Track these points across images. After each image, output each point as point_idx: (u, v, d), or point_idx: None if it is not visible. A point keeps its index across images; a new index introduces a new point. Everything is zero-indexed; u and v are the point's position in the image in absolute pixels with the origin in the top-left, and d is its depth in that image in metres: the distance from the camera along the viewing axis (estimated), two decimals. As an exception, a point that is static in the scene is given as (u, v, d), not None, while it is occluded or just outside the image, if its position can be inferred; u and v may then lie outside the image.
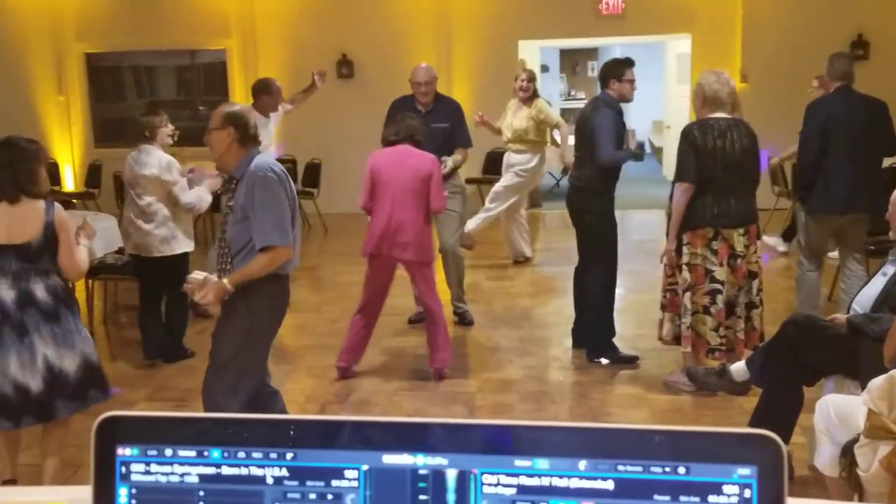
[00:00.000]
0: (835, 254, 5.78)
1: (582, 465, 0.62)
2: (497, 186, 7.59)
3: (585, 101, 5.89)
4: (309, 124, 9.60)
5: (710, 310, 4.39)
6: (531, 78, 7.26)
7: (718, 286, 4.36)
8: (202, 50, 11.10)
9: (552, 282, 7.17)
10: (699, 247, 4.38)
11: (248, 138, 3.39)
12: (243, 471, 0.64)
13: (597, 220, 5.00)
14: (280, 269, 3.40)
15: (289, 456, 0.64)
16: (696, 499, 0.59)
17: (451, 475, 0.63)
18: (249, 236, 3.32)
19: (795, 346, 3.58)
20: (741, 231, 4.37)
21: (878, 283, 3.61)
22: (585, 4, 10.22)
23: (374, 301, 4.89)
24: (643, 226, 9.66)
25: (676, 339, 4.57)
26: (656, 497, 0.61)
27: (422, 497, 0.63)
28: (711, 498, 0.59)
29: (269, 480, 0.64)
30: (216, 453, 0.64)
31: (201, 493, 0.65)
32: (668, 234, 4.52)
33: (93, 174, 10.37)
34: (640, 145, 5.28)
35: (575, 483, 0.62)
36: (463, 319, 5.86)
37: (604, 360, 5.08)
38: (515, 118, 7.20)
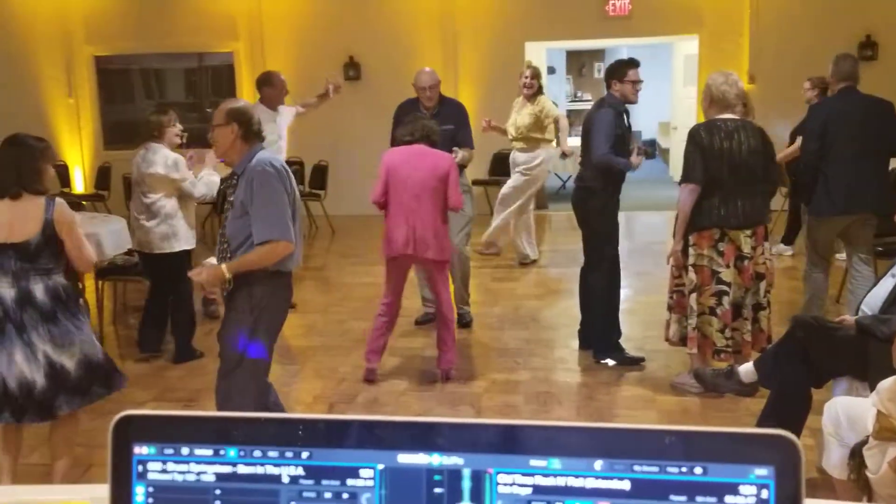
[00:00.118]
0: (843, 255, 5.77)
1: (598, 465, 0.62)
2: (505, 189, 7.60)
3: (592, 103, 5.90)
4: (316, 126, 9.61)
5: (716, 311, 4.38)
6: (534, 74, 7.28)
7: (725, 287, 4.35)
8: (210, 52, 11.13)
9: (558, 283, 7.17)
10: (705, 248, 4.37)
11: (251, 134, 3.40)
12: (259, 470, 0.65)
13: (596, 220, 5.00)
14: (282, 266, 3.38)
15: (304, 455, 0.64)
16: (713, 499, 0.59)
17: (467, 475, 0.63)
18: (249, 231, 3.31)
19: (804, 347, 3.57)
20: (748, 232, 4.36)
21: (887, 285, 3.60)
22: (592, 6, 10.21)
23: (397, 298, 4.89)
24: (650, 227, 9.65)
25: (683, 341, 4.57)
26: (672, 497, 0.61)
27: (437, 496, 0.63)
28: (728, 498, 0.59)
29: (285, 479, 0.65)
30: (232, 452, 0.65)
31: (217, 492, 0.65)
32: (674, 235, 4.51)
33: (102, 176, 10.41)
34: (650, 143, 5.27)
35: (591, 483, 0.62)
36: (461, 320, 5.85)
37: (610, 362, 5.07)
38: (519, 115, 7.26)
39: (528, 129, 7.22)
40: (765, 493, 0.60)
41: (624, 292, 5.89)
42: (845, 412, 2.97)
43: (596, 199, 4.96)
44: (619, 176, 4.98)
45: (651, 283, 6.80)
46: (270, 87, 6.29)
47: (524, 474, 0.62)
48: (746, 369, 3.96)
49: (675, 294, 4.58)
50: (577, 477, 0.62)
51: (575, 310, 5.44)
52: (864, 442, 2.74)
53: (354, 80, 10.64)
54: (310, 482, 0.64)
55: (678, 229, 4.46)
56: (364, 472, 0.64)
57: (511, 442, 0.62)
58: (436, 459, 0.63)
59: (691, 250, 4.42)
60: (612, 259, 5.10)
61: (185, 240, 5.18)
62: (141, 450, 0.65)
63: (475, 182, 8.36)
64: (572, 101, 16.43)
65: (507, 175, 8.03)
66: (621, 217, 5.18)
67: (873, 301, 3.59)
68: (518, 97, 7.35)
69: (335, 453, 0.64)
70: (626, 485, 0.61)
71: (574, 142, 10.39)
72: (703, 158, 4.31)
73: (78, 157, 11.36)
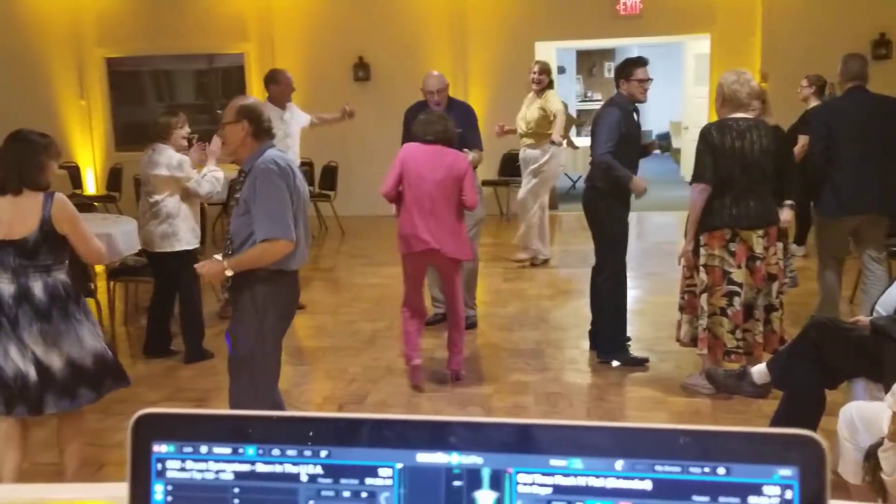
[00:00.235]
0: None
1: (619, 465, 0.61)
2: (521, 194, 7.56)
3: (602, 103, 5.89)
4: (326, 127, 9.62)
5: (727, 312, 4.36)
6: (542, 70, 7.30)
7: (736, 288, 4.33)
8: (220, 54, 11.16)
9: (569, 283, 7.15)
10: (716, 248, 4.35)
11: (261, 131, 3.39)
12: (278, 468, 0.64)
13: (605, 220, 4.98)
14: (284, 265, 3.36)
15: (323, 454, 0.64)
16: (736, 500, 0.58)
17: (486, 474, 0.63)
18: (251, 229, 3.30)
19: (818, 348, 3.55)
20: (760, 233, 4.34)
21: (901, 285, 3.58)
22: (603, 5, 10.19)
23: (417, 296, 4.83)
24: (660, 227, 9.63)
25: (694, 341, 4.55)
26: (695, 498, 0.60)
27: (456, 495, 0.63)
28: (752, 499, 0.58)
29: (304, 478, 0.64)
30: (251, 451, 0.64)
31: (236, 491, 0.65)
32: (686, 235, 4.50)
33: (114, 177, 10.45)
34: (665, 136, 5.24)
35: (612, 483, 0.61)
36: (465, 322, 5.82)
37: (614, 362, 5.07)
38: (529, 109, 7.31)
39: (536, 125, 7.27)
40: (789, 494, 0.59)
41: (634, 293, 5.87)
42: (860, 416, 2.95)
43: (604, 199, 4.95)
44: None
45: (662, 284, 6.79)
46: (276, 85, 6.32)
47: (544, 474, 0.62)
48: (759, 370, 3.94)
49: (687, 294, 4.56)
50: (597, 477, 0.61)
51: (585, 310, 5.43)
52: (879, 444, 2.72)
53: (364, 80, 10.66)
54: (328, 481, 0.64)
55: (689, 229, 4.44)
56: (383, 472, 0.64)
57: (531, 441, 0.62)
58: (455, 459, 0.63)
59: (702, 250, 4.40)
60: (619, 260, 5.09)
61: (185, 240, 5.20)
62: (160, 448, 0.65)
63: (485, 182, 8.36)
64: (582, 101, 16.41)
65: (518, 175, 8.02)
66: (632, 217, 5.17)
67: (888, 302, 3.56)
68: (529, 93, 7.38)
69: (354, 452, 0.64)
70: (647, 485, 0.61)
71: (584, 141, 10.39)
72: (715, 158, 4.29)
73: (89, 158, 11.41)
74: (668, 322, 5.27)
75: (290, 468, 0.64)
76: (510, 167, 9.60)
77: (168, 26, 10.82)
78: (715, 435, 0.59)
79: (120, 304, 6.43)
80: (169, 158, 5.09)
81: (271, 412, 0.65)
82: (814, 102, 6.62)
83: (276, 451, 0.64)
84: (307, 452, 0.64)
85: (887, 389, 2.79)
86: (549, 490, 0.62)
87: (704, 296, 4.39)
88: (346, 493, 0.64)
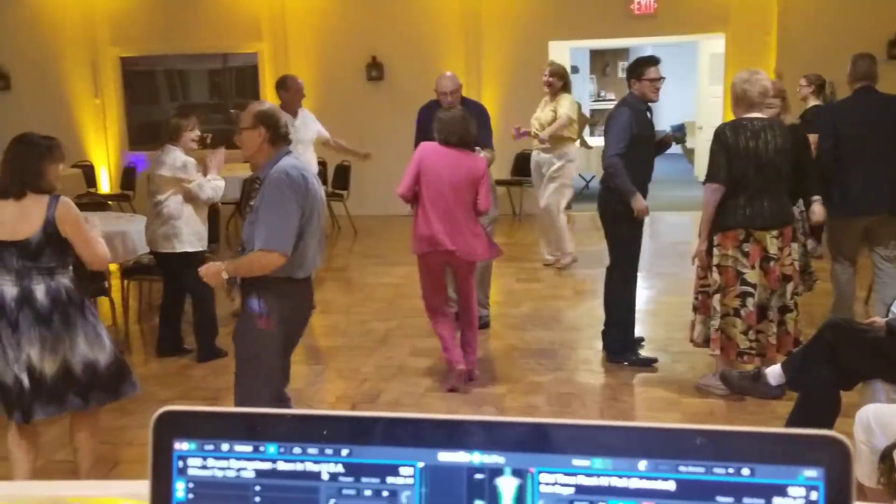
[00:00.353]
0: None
1: (642, 465, 0.61)
2: (543, 201, 7.43)
3: (615, 102, 5.88)
4: (338, 127, 9.62)
5: (740, 312, 4.34)
6: (554, 73, 7.23)
7: (749, 289, 4.31)
8: (234, 53, 11.20)
9: (582, 284, 7.14)
10: (730, 248, 4.33)
11: (278, 137, 3.38)
12: (299, 466, 0.64)
13: (616, 220, 4.97)
14: (293, 273, 3.34)
15: (344, 452, 0.64)
16: (761, 501, 0.58)
17: (508, 474, 0.62)
18: None
19: (833, 349, 3.53)
20: (775, 233, 4.31)
21: (917, 286, 3.56)
22: (617, 4, 10.16)
23: (437, 297, 4.79)
24: (674, 227, 9.60)
25: (707, 342, 4.52)
26: (719, 498, 0.60)
27: (477, 495, 0.63)
28: (776, 500, 0.58)
29: (325, 476, 0.64)
30: (272, 449, 0.64)
31: (257, 488, 0.65)
32: (700, 235, 4.48)
33: (127, 176, 10.50)
34: (679, 127, 5.19)
35: (635, 483, 0.61)
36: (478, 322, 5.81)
37: (623, 362, 5.06)
38: (543, 112, 7.26)
39: (559, 128, 7.20)
40: (814, 495, 0.58)
41: (648, 293, 5.85)
42: (876, 418, 2.93)
43: (617, 200, 4.93)
44: (643, 176, 4.94)
45: (675, 284, 6.76)
46: (285, 91, 6.33)
47: (566, 474, 0.61)
48: (774, 371, 3.92)
49: (701, 295, 4.54)
50: (620, 477, 0.61)
51: (599, 311, 5.41)
52: (894, 445, 2.70)
53: (377, 80, 10.67)
54: (349, 479, 0.64)
55: (702, 229, 4.43)
56: (404, 470, 0.63)
57: (553, 441, 0.62)
58: (476, 458, 0.63)
59: (715, 251, 4.38)
60: (632, 261, 5.07)
61: (187, 242, 5.20)
62: (181, 445, 0.65)
63: (499, 182, 8.34)
64: (596, 101, 16.37)
65: (530, 174, 7.98)
66: (646, 218, 5.14)
67: (904, 303, 3.54)
68: (545, 96, 7.35)
69: (375, 451, 0.63)
70: (671, 485, 0.60)
71: (597, 141, 10.36)
72: (728, 158, 4.27)
73: (104, 157, 11.47)
74: (681, 322, 5.25)
75: (311, 466, 0.64)
76: (523, 167, 9.59)
77: (182, 26, 10.86)
78: (739, 435, 0.59)
79: (134, 303, 6.46)
80: (174, 159, 5.12)
81: (293, 410, 0.65)
82: (812, 102, 6.59)
83: (297, 450, 0.64)
84: (328, 451, 0.63)
85: (904, 391, 2.77)
86: (572, 490, 0.61)
87: (717, 296, 4.37)
88: (368, 492, 0.63)
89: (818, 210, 5.02)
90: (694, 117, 13.09)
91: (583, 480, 0.61)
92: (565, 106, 7.20)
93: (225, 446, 0.64)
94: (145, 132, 11.32)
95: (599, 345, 5.32)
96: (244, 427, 0.64)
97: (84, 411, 3.45)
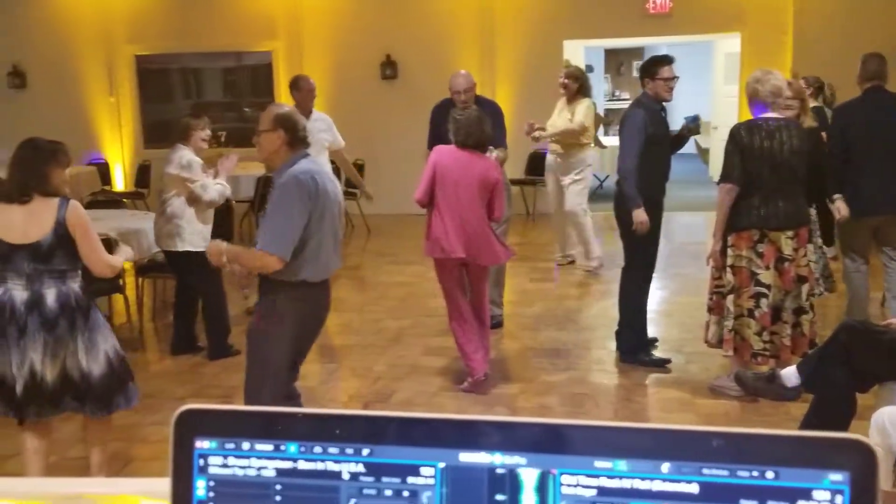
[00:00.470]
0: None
1: (665, 467, 0.60)
2: (567, 206, 7.32)
3: (630, 102, 5.85)
4: (352, 125, 9.66)
5: (754, 313, 4.31)
6: (569, 75, 7.14)
7: (763, 290, 4.28)
8: (248, 52, 11.23)
9: (597, 284, 7.12)
10: (744, 249, 4.31)
11: (297, 140, 3.39)
12: (319, 466, 0.64)
13: (629, 221, 4.94)
14: (308, 277, 3.35)
15: (365, 452, 0.64)
16: (786, 504, 0.57)
17: (529, 475, 0.62)
18: None
19: (849, 351, 3.51)
20: (790, 234, 4.29)
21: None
22: (632, 3, 10.13)
23: (457, 300, 4.74)
24: (688, 228, 9.56)
25: (721, 343, 4.51)
26: (743, 501, 0.59)
27: (499, 496, 0.62)
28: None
29: (346, 476, 0.64)
30: (293, 448, 0.64)
31: (278, 487, 0.65)
32: (714, 235, 4.46)
33: (142, 174, 10.55)
34: (694, 118, 5.15)
35: (657, 486, 0.61)
36: (491, 322, 5.79)
37: (636, 363, 5.05)
38: (559, 117, 7.17)
39: (565, 133, 7.12)
40: (839, 499, 0.58)
41: (662, 293, 5.82)
42: (892, 421, 2.91)
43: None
44: (661, 176, 4.91)
45: (689, 285, 6.74)
46: (297, 91, 6.31)
47: (589, 475, 0.61)
48: (789, 373, 3.89)
49: (715, 295, 4.52)
50: (643, 479, 0.61)
51: (613, 311, 5.39)
52: (911, 448, 2.68)
53: (391, 78, 10.68)
54: (370, 479, 0.64)
55: (717, 229, 4.41)
56: (425, 471, 0.63)
57: (575, 442, 0.61)
58: (498, 459, 0.62)
59: (729, 251, 4.36)
60: (647, 262, 5.04)
61: (189, 241, 5.20)
62: (202, 444, 0.65)
63: (512, 182, 8.32)
64: (610, 100, 16.33)
65: (543, 174, 7.95)
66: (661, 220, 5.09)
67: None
68: (561, 97, 7.27)
69: (396, 451, 0.63)
70: (694, 488, 0.60)
71: (611, 141, 10.32)
72: (743, 158, 4.25)
73: (118, 155, 11.53)
74: (695, 323, 5.23)
75: (331, 466, 0.64)
76: (537, 167, 9.57)
77: (197, 24, 10.91)
78: (763, 438, 0.58)
79: (148, 301, 6.49)
80: (180, 158, 5.13)
81: (314, 409, 0.65)
82: (812, 104, 6.57)
83: (317, 449, 0.64)
84: (349, 450, 0.63)
85: (922, 394, 2.75)
86: (594, 492, 0.61)
87: (731, 297, 4.35)
88: (388, 492, 0.63)
89: (841, 207, 5.03)
90: (709, 117, 13.03)
91: (605, 482, 0.61)
92: (581, 112, 7.07)
93: (246, 445, 0.64)
94: (160, 130, 11.37)
95: (613, 345, 5.30)
96: (265, 426, 0.64)
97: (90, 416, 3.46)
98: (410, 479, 0.63)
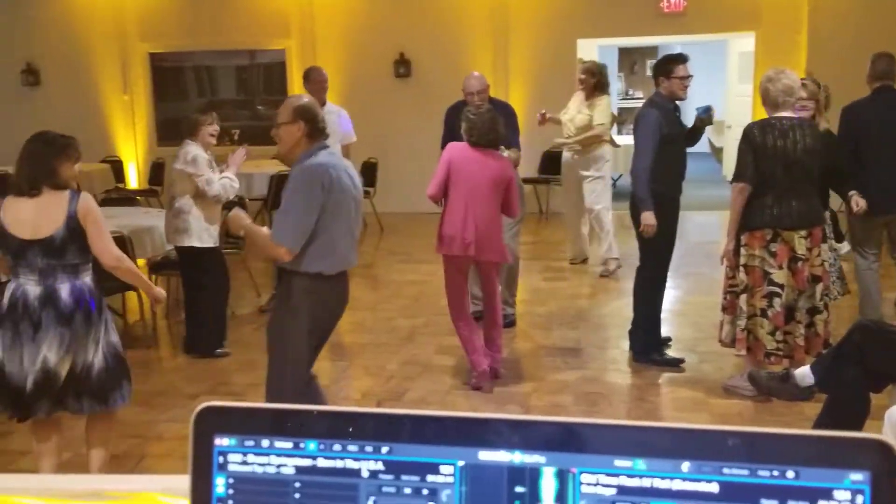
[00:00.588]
0: None
1: (685, 466, 0.60)
2: (588, 205, 7.28)
3: (643, 101, 5.82)
4: (365, 123, 9.68)
5: (767, 313, 4.29)
6: (585, 70, 7.09)
7: (776, 289, 4.26)
8: (262, 50, 11.26)
9: (610, 283, 7.10)
10: (757, 248, 4.29)
11: (316, 131, 3.41)
12: (339, 463, 0.64)
13: (641, 219, 4.93)
14: (325, 269, 3.38)
15: (384, 450, 0.64)
16: (806, 504, 0.57)
17: (549, 473, 0.62)
18: None
19: (863, 351, 3.50)
20: (803, 233, 4.27)
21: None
22: (647, 2, 10.10)
23: (460, 297, 4.76)
24: (702, 227, 9.52)
25: (735, 342, 4.49)
26: (763, 501, 0.59)
27: (518, 494, 0.62)
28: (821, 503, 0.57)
29: (365, 474, 0.64)
30: (312, 445, 0.65)
31: (297, 485, 0.65)
32: (728, 235, 4.45)
33: (156, 172, 10.59)
34: (706, 109, 5.13)
35: (677, 485, 0.60)
36: (504, 321, 5.78)
37: (649, 363, 5.04)
38: (579, 115, 7.09)
39: (583, 131, 7.06)
40: (859, 499, 0.58)
41: (675, 293, 5.80)
42: (907, 419, 2.89)
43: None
44: (677, 174, 4.90)
45: (702, 284, 6.71)
46: (308, 83, 6.34)
47: (608, 474, 0.61)
48: (802, 373, 3.88)
49: (729, 295, 4.51)
50: (663, 478, 0.60)
51: (627, 310, 5.39)
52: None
53: (405, 77, 10.68)
54: (389, 477, 0.64)
55: (730, 229, 4.40)
56: (444, 469, 0.63)
57: (595, 441, 0.61)
58: (517, 457, 0.62)
59: (742, 251, 4.34)
60: (661, 262, 5.02)
61: (196, 237, 5.20)
62: (222, 441, 0.65)
63: (525, 181, 8.31)
64: (623, 99, 16.29)
65: (557, 173, 7.92)
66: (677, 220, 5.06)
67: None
68: (578, 92, 7.21)
69: (415, 449, 0.63)
70: (714, 487, 0.60)
71: (625, 140, 10.29)
72: (756, 157, 4.24)
73: (132, 152, 11.59)
74: (709, 323, 5.22)
75: (351, 464, 0.64)
76: (550, 166, 9.55)
77: (210, 22, 10.94)
78: (784, 438, 0.58)
79: (162, 298, 6.51)
80: (185, 153, 5.16)
81: (334, 407, 0.65)
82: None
83: (337, 447, 0.64)
84: (368, 448, 0.63)
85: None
86: (614, 491, 0.61)
87: (744, 296, 4.34)
88: (407, 490, 0.63)
89: (859, 200, 5.03)
90: (723, 116, 12.97)
91: (625, 481, 0.61)
92: (600, 113, 7.01)
93: (265, 442, 0.64)
94: (173, 128, 11.39)
95: (626, 344, 5.29)
96: (284, 423, 0.64)
97: (101, 415, 3.45)
98: (430, 478, 0.63)
